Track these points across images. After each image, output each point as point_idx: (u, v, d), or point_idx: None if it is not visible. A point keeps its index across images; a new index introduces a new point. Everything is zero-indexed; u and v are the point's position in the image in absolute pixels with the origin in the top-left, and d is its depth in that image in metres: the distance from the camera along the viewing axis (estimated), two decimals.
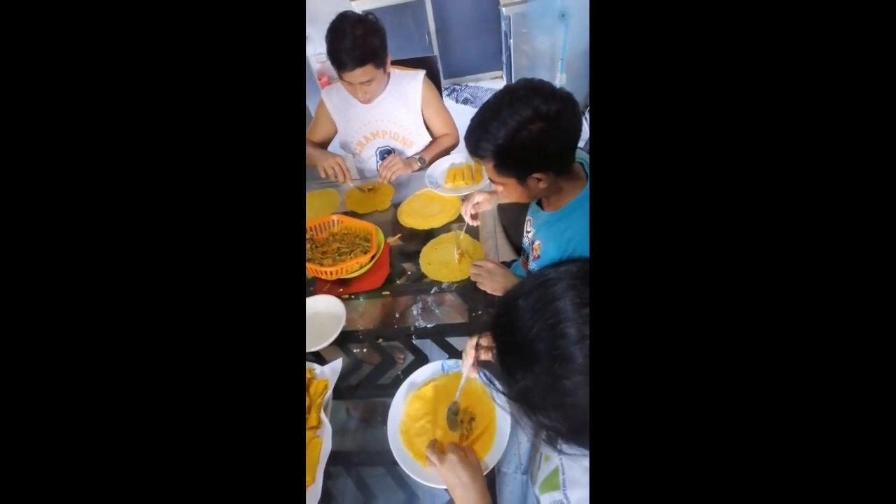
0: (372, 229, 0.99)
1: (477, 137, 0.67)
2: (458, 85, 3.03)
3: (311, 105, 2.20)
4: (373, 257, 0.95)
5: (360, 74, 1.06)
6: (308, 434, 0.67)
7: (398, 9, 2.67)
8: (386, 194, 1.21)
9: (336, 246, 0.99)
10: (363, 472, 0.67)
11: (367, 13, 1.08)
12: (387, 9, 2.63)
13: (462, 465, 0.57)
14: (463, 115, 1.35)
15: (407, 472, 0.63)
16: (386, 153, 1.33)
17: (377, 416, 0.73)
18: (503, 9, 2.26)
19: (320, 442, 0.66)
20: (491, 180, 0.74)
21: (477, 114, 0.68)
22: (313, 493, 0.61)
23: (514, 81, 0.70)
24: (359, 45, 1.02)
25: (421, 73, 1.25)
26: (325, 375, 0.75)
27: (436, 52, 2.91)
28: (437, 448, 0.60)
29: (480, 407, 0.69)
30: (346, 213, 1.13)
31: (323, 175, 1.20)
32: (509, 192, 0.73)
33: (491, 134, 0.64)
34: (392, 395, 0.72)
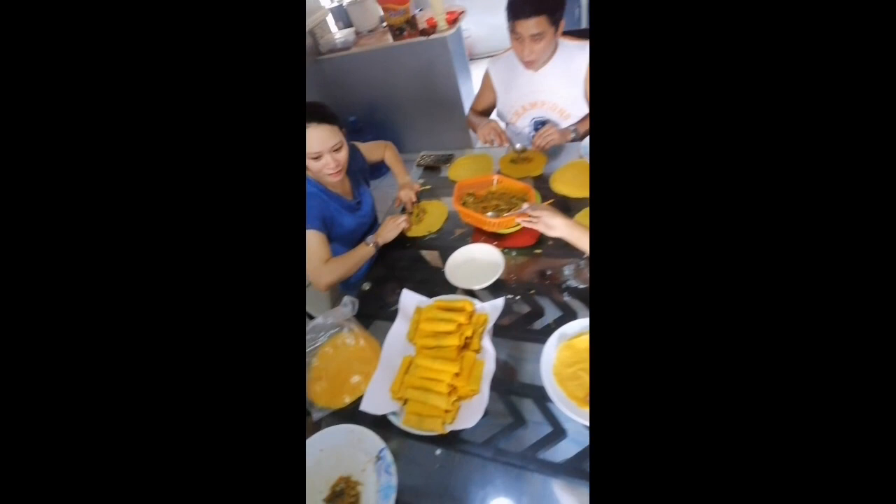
0: (529, 191, 1.05)
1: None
2: None
3: (460, 78, 2.32)
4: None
5: (532, 25, 1.09)
6: (472, 354, 0.77)
7: None
8: (539, 162, 1.25)
9: (495, 203, 1.07)
10: (515, 400, 0.75)
11: None
12: None
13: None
14: None
15: (561, 407, 0.68)
16: (540, 124, 1.36)
17: (530, 356, 0.80)
18: None
19: (483, 363, 0.76)
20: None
21: None
22: (480, 400, 0.71)
23: None
24: None
25: (587, 44, 1.24)
26: (485, 310, 0.84)
27: (584, 24, 2.79)
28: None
29: None
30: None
31: (482, 141, 1.29)
32: None
33: None
34: (542, 340, 0.78)
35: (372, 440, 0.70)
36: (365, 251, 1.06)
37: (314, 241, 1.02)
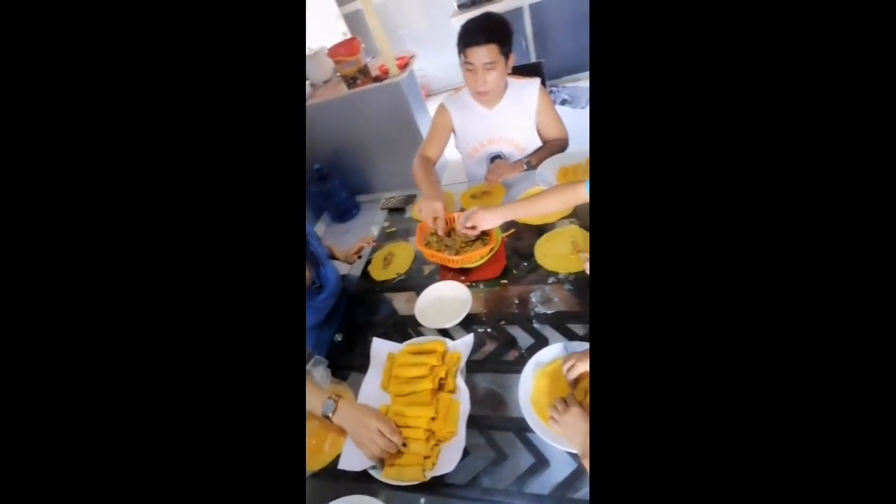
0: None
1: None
2: (555, 87, 3.04)
3: (418, 117, 2.41)
4: (491, 250, 1.04)
5: (484, 53, 1.14)
6: (447, 396, 0.78)
7: None
8: (498, 194, 1.30)
9: (457, 239, 1.10)
10: (494, 434, 0.76)
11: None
12: None
13: (584, 416, 0.64)
14: (563, 117, 1.39)
15: (542, 436, 0.69)
16: (495, 157, 1.43)
17: (507, 388, 0.81)
18: None
19: (459, 403, 0.76)
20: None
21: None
22: (458, 442, 0.71)
23: None
24: (488, 25, 1.14)
25: (536, 81, 1.32)
26: (457, 348, 0.86)
27: (533, 57, 2.96)
28: (561, 405, 0.67)
29: None
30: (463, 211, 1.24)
31: (415, 213, 1.22)
32: None
33: None
34: (517, 371, 0.80)
35: None
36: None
37: None
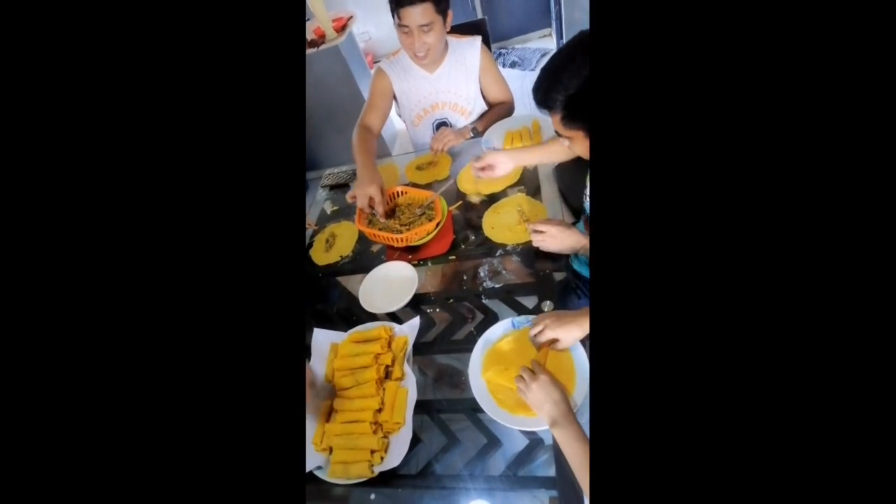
0: (435, 198, 1.03)
1: (546, 88, 0.66)
2: (504, 49, 2.93)
3: (361, 85, 2.25)
4: (437, 224, 0.99)
5: (419, 14, 1.04)
6: (394, 384, 0.74)
7: None
8: (444, 165, 1.23)
9: (403, 215, 1.04)
10: (445, 418, 0.73)
11: None
12: None
13: (553, 383, 0.63)
14: (511, 79, 1.32)
15: (493, 417, 0.67)
16: (441, 125, 1.35)
17: (457, 368, 0.78)
18: None
19: (406, 391, 0.72)
20: (557, 133, 0.73)
21: (547, 64, 0.68)
22: (405, 432, 0.68)
23: (572, 36, 0.68)
24: None
25: (478, 40, 1.24)
26: (403, 332, 0.81)
27: (479, 15, 2.82)
28: (528, 374, 0.66)
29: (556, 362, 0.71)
30: (407, 185, 1.16)
31: (348, 198, 1.09)
32: (576, 145, 0.72)
33: (562, 84, 0.64)
34: (466, 349, 0.77)
35: None
36: None
37: None
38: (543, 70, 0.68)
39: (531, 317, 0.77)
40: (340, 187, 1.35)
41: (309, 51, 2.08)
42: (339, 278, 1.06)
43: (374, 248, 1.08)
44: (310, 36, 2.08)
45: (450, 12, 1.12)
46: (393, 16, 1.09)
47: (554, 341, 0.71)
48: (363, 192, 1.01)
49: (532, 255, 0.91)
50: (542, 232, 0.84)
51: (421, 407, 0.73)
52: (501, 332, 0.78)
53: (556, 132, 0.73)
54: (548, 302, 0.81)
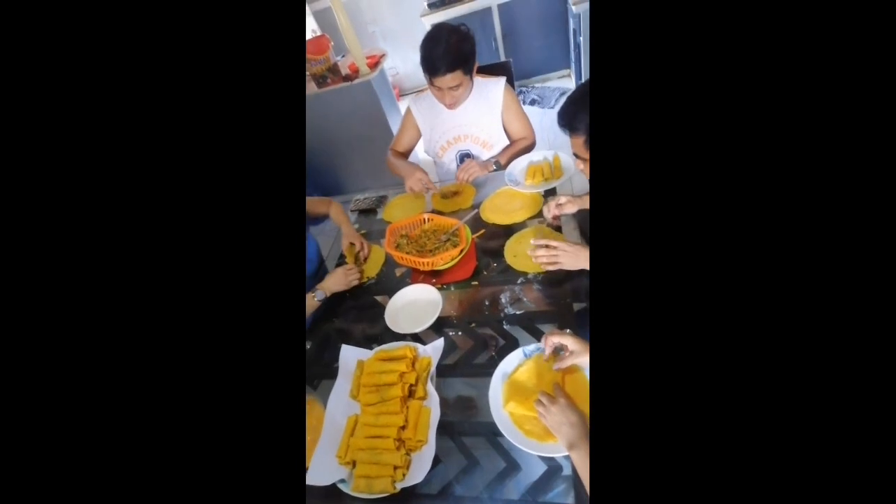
0: (460, 226, 1.08)
1: (573, 112, 0.72)
2: (524, 87, 3.06)
3: (390, 117, 2.38)
4: (461, 251, 1.03)
5: (449, 79, 1.16)
6: (417, 403, 0.76)
7: (466, 18, 2.78)
8: (468, 195, 1.29)
9: (428, 241, 1.09)
10: (466, 440, 0.75)
11: (460, 24, 1.18)
12: (455, 19, 2.75)
13: (570, 407, 0.65)
14: (532, 116, 1.40)
15: (515, 443, 0.69)
16: (465, 157, 1.42)
17: (478, 391, 0.80)
18: (573, 7, 2.27)
19: (429, 410, 0.75)
20: (576, 156, 0.78)
21: (574, 91, 0.74)
22: (428, 451, 0.70)
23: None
24: (452, 51, 1.13)
25: (502, 80, 1.32)
26: (427, 353, 0.84)
27: (502, 57, 2.97)
28: (546, 398, 0.67)
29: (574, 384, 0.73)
30: (433, 212, 1.23)
31: (409, 191, 1.29)
32: None
33: (589, 108, 0.70)
34: (487, 373, 0.79)
35: None
36: (310, 305, 1.03)
37: None
38: (570, 96, 0.74)
39: (540, 344, 0.80)
40: (368, 212, 1.42)
41: (343, 84, 2.22)
42: (365, 299, 1.11)
43: (398, 273, 1.12)
44: (344, 71, 2.23)
45: (475, 64, 1.22)
46: (425, 75, 1.20)
47: (575, 368, 0.73)
48: (415, 178, 1.24)
49: (552, 284, 0.94)
50: (555, 248, 0.86)
51: (442, 428, 0.75)
52: (516, 362, 0.80)
53: (574, 155, 0.79)
54: (568, 331, 0.84)
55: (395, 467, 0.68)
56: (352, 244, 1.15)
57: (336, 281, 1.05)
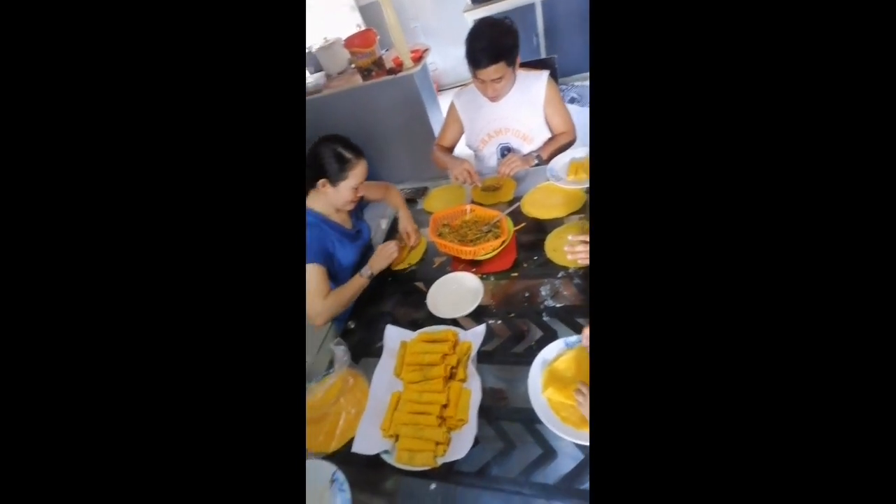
0: (502, 217, 1.09)
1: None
2: (564, 85, 3.02)
3: (430, 111, 2.41)
4: (503, 242, 1.05)
5: (492, 71, 1.17)
6: (458, 384, 0.79)
7: (509, 14, 2.77)
8: (508, 189, 1.30)
9: (469, 231, 1.11)
10: (503, 425, 0.77)
11: (504, 17, 1.19)
12: (498, 14, 2.75)
13: None
14: (572, 114, 1.39)
15: (551, 428, 0.70)
16: (506, 150, 1.43)
17: (516, 379, 0.82)
18: None
19: (469, 392, 0.77)
20: None
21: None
22: (469, 430, 0.72)
23: None
24: (494, 43, 1.14)
25: (545, 74, 1.32)
26: (468, 338, 0.87)
27: (543, 53, 2.94)
28: (586, 388, 0.68)
29: None
30: (473, 203, 1.25)
31: (454, 181, 1.31)
32: None
33: None
34: (526, 363, 0.80)
35: (322, 468, 0.72)
36: (359, 283, 1.07)
37: (314, 275, 1.03)
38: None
39: (581, 336, 0.80)
40: (408, 202, 1.45)
41: (387, 77, 2.27)
42: (406, 284, 1.14)
43: (438, 261, 1.15)
44: (389, 64, 2.27)
45: (518, 57, 1.22)
46: (469, 67, 1.21)
47: None
48: (459, 169, 1.27)
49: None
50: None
51: (480, 411, 0.77)
52: (556, 351, 0.81)
53: None
54: None
55: (437, 443, 0.71)
56: (407, 233, 1.20)
57: (380, 259, 1.09)
